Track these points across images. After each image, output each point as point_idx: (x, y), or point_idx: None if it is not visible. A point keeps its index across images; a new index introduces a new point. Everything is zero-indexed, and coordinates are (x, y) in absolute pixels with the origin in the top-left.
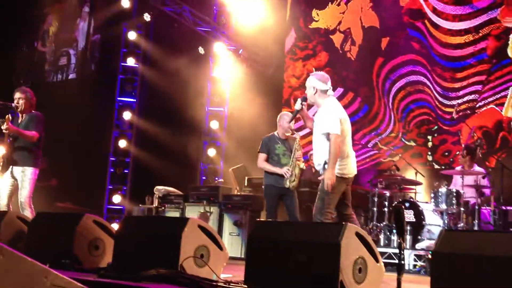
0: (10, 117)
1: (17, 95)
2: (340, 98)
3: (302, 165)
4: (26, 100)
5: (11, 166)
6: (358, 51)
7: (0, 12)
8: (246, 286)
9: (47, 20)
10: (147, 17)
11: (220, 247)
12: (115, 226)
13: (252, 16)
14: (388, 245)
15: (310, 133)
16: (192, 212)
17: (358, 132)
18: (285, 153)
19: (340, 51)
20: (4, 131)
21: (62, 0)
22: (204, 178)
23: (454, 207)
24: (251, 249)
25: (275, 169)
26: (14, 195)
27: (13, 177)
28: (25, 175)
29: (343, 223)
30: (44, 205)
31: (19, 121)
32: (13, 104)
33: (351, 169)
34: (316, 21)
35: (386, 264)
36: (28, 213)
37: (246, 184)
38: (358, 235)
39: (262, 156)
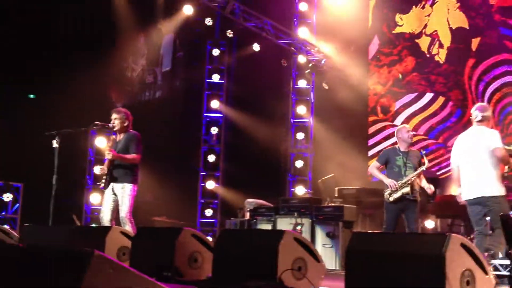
0: (110, 145)
1: (113, 115)
2: (430, 103)
3: (408, 190)
4: (122, 120)
5: (111, 183)
6: (447, 53)
7: (93, 32)
8: None
9: (138, 40)
10: (230, 33)
11: (317, 259)
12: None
13: (333, 25)
14: (492, 256)
15: None
16: (284, 224)
17: (452, 138)
18: (406, 165)
19: (428, 55)
20: (107, 157)
21: (150, 21)
22: (292, 190)
23: None
24: (350, 261)
25: (382, 177)
26: (115, 211)
27: (114, 193)
28: (125, 191)
29: (447, 233)
30: (142, 219)
31: (117, 139)
32: (110, 125)
33: None
34: (400, 25)
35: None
36: (129, 228)
37: (336, 194)
38: (463, 246)
39: (375, 163)
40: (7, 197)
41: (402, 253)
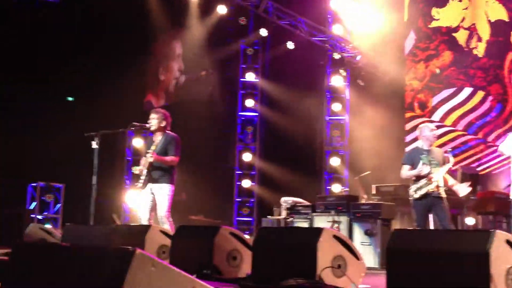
0: (153, 148)
1: (151, 115)
2: (469, 98)
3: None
4: (159, 120)
5: (149, 184)
6: (486, 47)
7: (127, 37)
8: None
9: (173, 42)
10: (263, 32)
11: (357, 257)
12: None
13: (368, 21)
14: None
15: None
16: (321, 222)
17: (492, 132)
18: (431, 162)
19: (466, 49)
20: (149, 159)
21: (184, 23)
22: (328, 187)
23: None
24: (391, 259)
25: (416, 171)
26: (154, 210)
27: (152, 193)
28: (163, 191)
29: (491, 230)
30: (179, 218)
31: (155, 140)
32: (147, 125)
33: None
34: (437, 19)
35: None
36: (168, 227)
37: (374, 192)
38: (509, 242)
39: (405, 167)
40: (49, 197)
41: (444, 251)
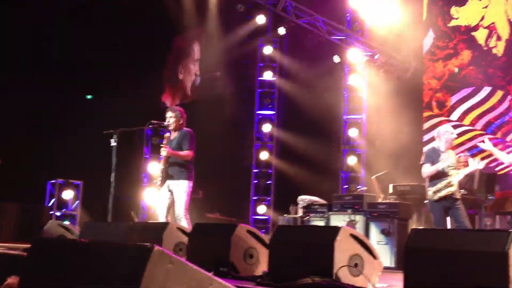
0: (165, 142)
1: (168, 114)
2: (487, 98)
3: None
4: (177, 118)
5: (167, 180)
6: (505, 46)
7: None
8: None
9: (191, 41)
10: (281, 30)
11: (374, 256)
12: None
13: (387, 20)
14: None
15: None
16: (337, 221)
17: (510, 132)
18: (450, 166)
19: (485, 48)
20: (162, 154)
21: (203, 23)
22: (345, 186)
23: None
24: (409, 258)
25: (440, 164)
26: (171, 208)
27: (169, 190)
28: (181, 188)
29: (510, 230)
30: (195, 216)
31: (172, 138)
32: (165, 123)
33: None
34: (456, 18)
35: None
36: (185, 224)
37: (391, 191)
38: None
39: (426, 165)
40: (68, 194)
41: (463, 251)
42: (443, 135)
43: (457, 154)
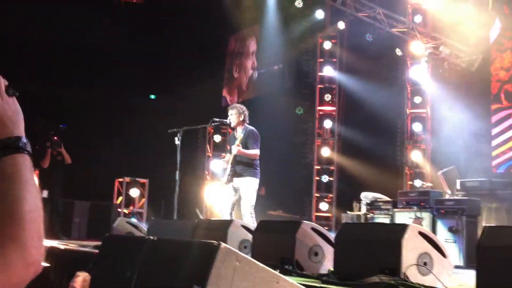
0: (237, 142)
1: (229, 111)
2: None
3: None
4: (237, 115)
5: (234, 178)
6: None
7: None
8: None
9: (247, 39)
10: (341, 25)
11: (443, 254)
12: None
13: (450, 10)
14: None
15: None
16: (402, 218)
17: None
18: None
19: None
20: (233, 152)
21: (260, 19)
22: (410, 182)
23: None
24: (482, 257)
25: None
26: (236, 205)
27: (235, 188)
28: (247, 185)
29: None
30: (257, 214)
31: (236, 135)
32: (227, 121)
33: None
34: None
35: None
36: (249, 221)
37: (458, 187)
38: None
39: None
40: (134, 192)
41: None
42: None
43: None
